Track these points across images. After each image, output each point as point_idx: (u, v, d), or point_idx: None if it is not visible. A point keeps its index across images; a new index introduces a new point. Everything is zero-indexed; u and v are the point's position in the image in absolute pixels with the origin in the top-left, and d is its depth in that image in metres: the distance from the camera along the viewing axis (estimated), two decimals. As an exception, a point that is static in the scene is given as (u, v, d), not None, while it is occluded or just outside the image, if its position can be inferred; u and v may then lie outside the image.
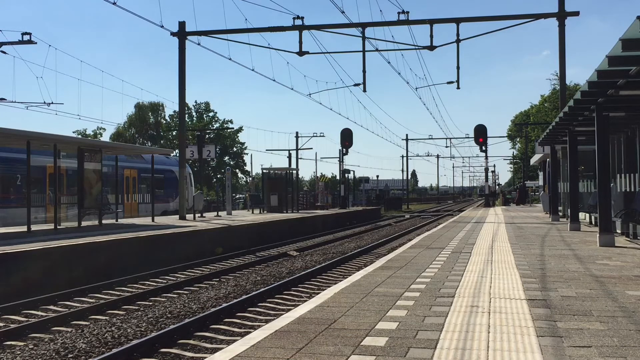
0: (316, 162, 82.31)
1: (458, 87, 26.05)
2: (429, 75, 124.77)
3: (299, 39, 24.82)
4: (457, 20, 24.09)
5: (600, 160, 12.49)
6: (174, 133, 75.45)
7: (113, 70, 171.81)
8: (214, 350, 7.03)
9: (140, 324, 8.83)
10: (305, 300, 9.30)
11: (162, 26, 22.93)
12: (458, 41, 24.28)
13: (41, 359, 7.15)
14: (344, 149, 39.58)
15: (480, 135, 35.18)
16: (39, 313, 10.29)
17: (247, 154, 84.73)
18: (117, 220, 22.87)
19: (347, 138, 38.33)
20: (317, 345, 4.75)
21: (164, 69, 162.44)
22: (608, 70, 9.93)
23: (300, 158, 64.84)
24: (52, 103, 30.08)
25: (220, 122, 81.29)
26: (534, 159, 40.57)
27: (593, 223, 18.64)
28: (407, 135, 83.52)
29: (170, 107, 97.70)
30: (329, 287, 9.24)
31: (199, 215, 27.21)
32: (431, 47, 24.68)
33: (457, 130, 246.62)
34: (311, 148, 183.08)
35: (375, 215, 46.14)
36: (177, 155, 30.81)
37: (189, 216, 25.68)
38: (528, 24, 25.52)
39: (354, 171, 54.30)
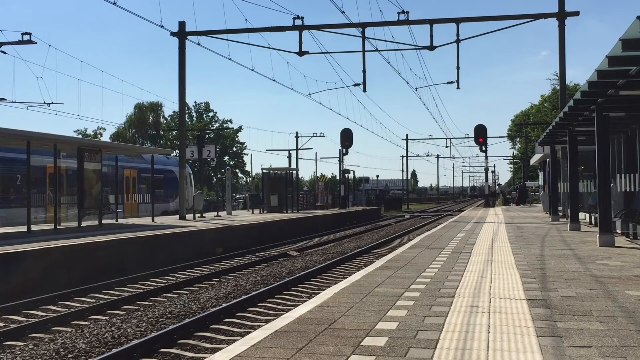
0: (316, 162, 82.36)
1: (458, 87, 26.06)
2: (429, 75, 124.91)
3: (299, 39, 24.83)
4: (457, 20, 24.10)
5: (600, 160, 12.48)
6: (174, 133, 75.46)
7: (113, 70, 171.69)
8: (214, 350, 7.03)
9: (140, 324, 8.83)
10: (305, 300, 9.29)
11: (162, 26, 22.97)
12: (458, 41, 24.28)
13: (41, 359, 7.15)
14: (344, 149, 39.56)
15: (480, 135, 35.14)
16: (39, 313, 10.29)
17: (247, 154, 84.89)
18: (117, 220, 22.87)
19: (347, 138, 38.31)
20: (317, 345, 4.76)
21: (164, 69, 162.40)
22: (608, 70, 9.93)
23: (300, 158, 64.89)
24: (52, 103, 30.11)
25: (220, 122, 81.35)
26: (534, 159, 40.58)
27: (593, 223, 18.65)
28: (407, 135, 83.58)
29: (170, 107, 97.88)
30: (329, 287, 9.24)
31: (199, 215, 27.21)
32: (431, 47, 24.68)
33: (457, 130, 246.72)
34: (311, 148, 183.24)
35: (375, 215, 46.14)
36: (177, 155, 30.81)
37: (189, 216, 25.68)
38: (527, 24, 25.45)
39: (354, 171, 54.39)
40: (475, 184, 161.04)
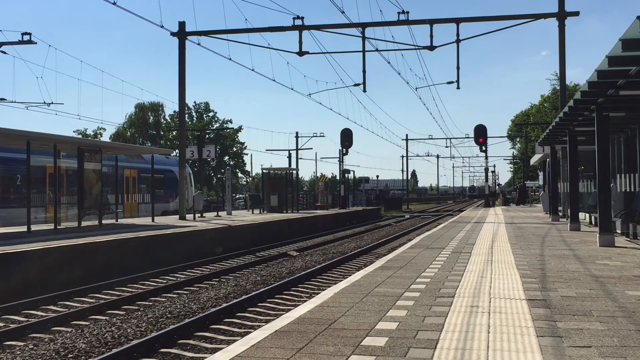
0: (316, 162, 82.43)
1: (458, 87, 26.04)
2: (429, 75, 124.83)
3: (299, 39, 24.83)
4: (457, 20, 24.09)
5: (600, 160, 12.48)
6: (174, 133, 75.45)
7: (113, 70, 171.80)
8: (214, 350, 7.03)
9: (140, 324, 8.83)
10: (305, 301, 9.29)
11: (162, 26, 22.94)
12: (458, 41, 24.28)
13: (41, 359, 7.15)
14: (344, 149, 39.55)
15: (480, 135, 35.14)
16: (39, 313, 10.29)
17: (247, 154, 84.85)
18: (117, 220, 22.87)
19: (347, 138, 38.30)
20: (317, 345, 4.76)
21: (164, 69, 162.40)
22: (608, 70, 9.92)
23: (300, 158, 64.87)
24: (52, 103, 30.15)
25: (220, 122, 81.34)
26: (534, 159, 40.58)
27: (593, 223, 18.64)
28: (407, 135, 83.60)
29: (170, 107, 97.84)
30: (329, 287, 9.24)
31: (199, 215, 27.21)
32: (431, 47, 24.68)
33: (457, 130, 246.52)
34: (311, 148, 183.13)
35: (375, 215, 46.14)
36: (177, 155, 30.81)
37: (189, 216, 25.68)
38: (527, 24, 25.50)
39: (354, 171, 54.39)
40: (474, 184, 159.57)
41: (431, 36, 24.41)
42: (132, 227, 19.39)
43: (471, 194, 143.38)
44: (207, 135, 68.70)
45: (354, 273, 11.48)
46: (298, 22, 24.52)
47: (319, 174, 68.98)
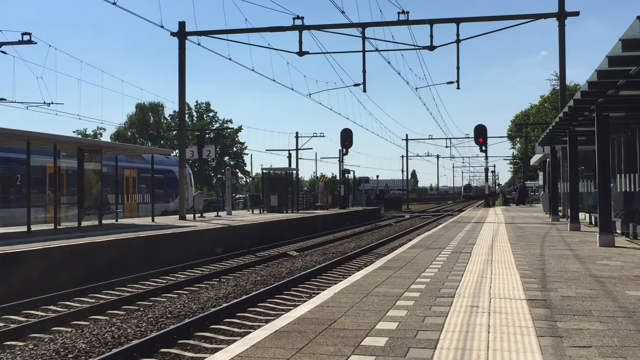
0: (316, 162, 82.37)
1: (458, 87, 26.03)
2: (429, 75, 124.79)
3: (299, 39, 24.84)
4: (457, 20, 24.10)
5: (600, 160, 12.48)
6: (174, 133, 75.46)
7: (113, 70, 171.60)
8: (214, 350, 7.03)
9: (140, 324, 8.83)
10: (305, 300, 9.30)
11: (162, 26, 22.94)
12: (458, 41, 24.28)
13: (41, 359, 7.15)
14: (344, 149, 39.48)
15: (480, 135, 35.09)
16: (39, 313, 10.30)
17: (247, 154, 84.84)
18: (117, 220, 22.86)
19: (347, 138, 38.24)
20: (317, 345, 4.76)
21: (164, 69, 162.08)
22: (608, 70, 9.93)
23: (300, 158, 64.76)
24: (52, 103, 30.19)
25: (220, 122, 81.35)
26: (534, 159, 40.58)
27: (593, 223, 18.65)
28: (407, 135, 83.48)
29: (170, 107, 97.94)
30: (329, 287, 9.24)
31: (199, 215, 27.21)
32: (431, 47, 24.68)
33: (457, 130, 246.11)
34: (311, 148, 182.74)
35: (375, 215, 46.14)
36: (177, 155, 30.81)
37: (189, 216, 25.68)
38: (527, 24, 25.51)
39: (354, 171, 54.34)
40: (471, 182, 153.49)
41: (431, 36, 24.43)
42: (132, 227, 19.40)
43: (467, 194, 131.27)
44: (207, 135, 68.74)
45: (354, 273, 11.48)
46: (298, 22, 24.53)
47: (319, 174, 68.98)
